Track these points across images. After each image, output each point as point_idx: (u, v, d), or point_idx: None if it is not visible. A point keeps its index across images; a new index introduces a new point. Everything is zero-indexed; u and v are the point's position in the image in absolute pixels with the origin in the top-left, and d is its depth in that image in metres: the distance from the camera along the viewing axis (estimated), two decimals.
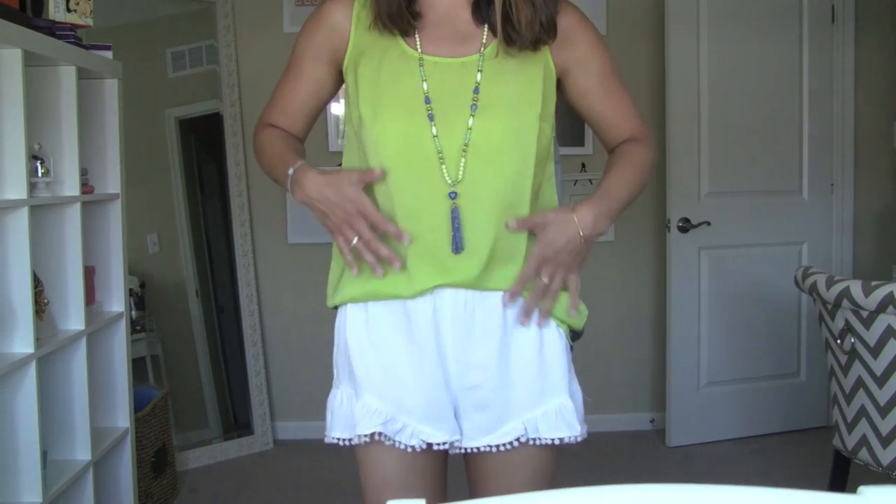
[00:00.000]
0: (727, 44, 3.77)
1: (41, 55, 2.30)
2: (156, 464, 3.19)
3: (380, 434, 1.46)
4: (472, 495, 1.55)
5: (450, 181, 1.41)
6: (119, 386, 2.85)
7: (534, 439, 1.48)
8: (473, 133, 1.41)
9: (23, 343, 2.22)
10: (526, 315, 1.46)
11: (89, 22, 2.62)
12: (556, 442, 1.48)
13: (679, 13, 3.70)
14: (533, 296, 1.45)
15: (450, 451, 1.52)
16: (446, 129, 1.42)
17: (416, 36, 1.46)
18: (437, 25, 1.48)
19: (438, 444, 1.47)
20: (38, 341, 2.26)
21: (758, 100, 3.85)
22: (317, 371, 4.22)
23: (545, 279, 1.43)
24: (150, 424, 3.16)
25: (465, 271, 1.43)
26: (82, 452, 2.57)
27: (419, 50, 1.45)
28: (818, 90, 3.94)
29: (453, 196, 1.41)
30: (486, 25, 1.47)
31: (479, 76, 1.44)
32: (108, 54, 2.77)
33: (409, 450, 1.46)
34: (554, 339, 1.51)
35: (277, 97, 1.58)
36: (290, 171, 1.44)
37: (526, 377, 1.48)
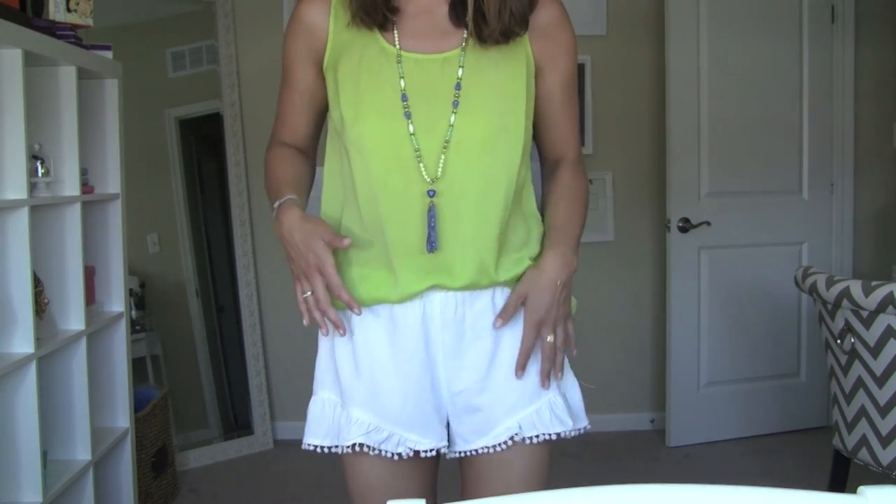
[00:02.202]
0: (727, 44, 3.77)
1: (41, 55, 2.30)
2: (156, 464, 3.19)
3: (361, 445, 1.46)
4: (466, 496, 1.54)
5: (428, 179, 1.39)
6: (119, 386, 2.85)
7: (529, 437, 1.46)
8: (455, 130, 1.39)
9: (23, 343, 2.22)
10: (546, 378, 1.45)
11: (89, 22, 2.62)
12: (553, 437, 1.47)
13: (679, 13, 3.70)
14: (546, 360, 1.45)
15: (447, 456, 1.51)
16: (425, 127, 1.39)
17: (395, 31, 1.42)
18: (415, 19, 1.44)
19: (425, 452, 1.47)
20: (38, 341, 2.26)
21: (758, 100, 3.85)
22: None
23: (549, 339, 1.43)
24: (150, 424, 3.16)
25: (461, 275, 1.42)
26: (82, 452, 2.57)
27: (397, 46, 1.42)
28: (818, 90, 3.94)
29: (431, 194, 1.39)
30: (464, 21, 1.43)
31: (460, 71, 1.41)
32: (108, 54, 2.77)
33: (396, 457, 1.45)
34: None
35: (279, 111, 1.55)
36: (276, 204, 1.42)
37: (515, 377, 1.46)
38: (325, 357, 1.52)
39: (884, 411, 2.49)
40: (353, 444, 1.46)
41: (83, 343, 2.56)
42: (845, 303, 2.50)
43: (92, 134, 2.73)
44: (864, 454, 2.59)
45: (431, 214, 1.39)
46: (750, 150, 3.86)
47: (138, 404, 3.04)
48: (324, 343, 1.52)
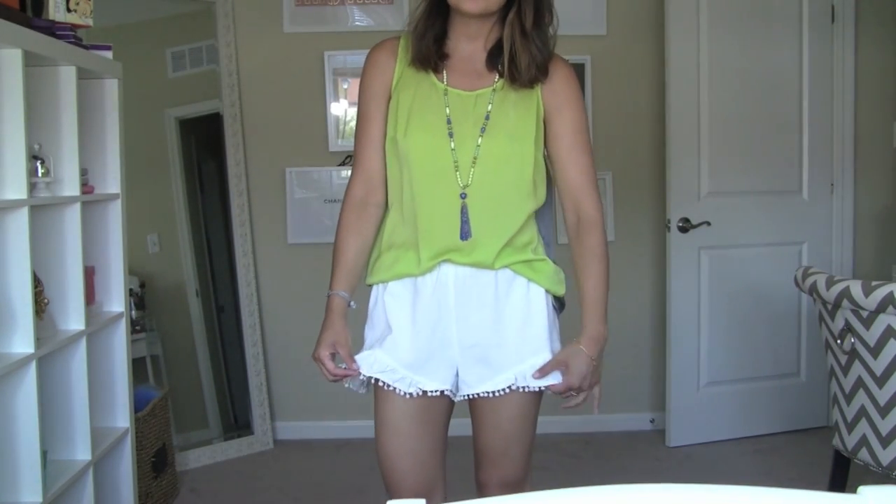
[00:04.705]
0: (727, 44, 3.77)
1: (41, 55, 2.29)
2: (156, 464, 3.19)
3: (377, 380, 1.83)
4: (474, 429, 1.93)
5: (461, 185, 1.79)
6: (119, 386, 2.85)
7: (522, 387, 1.83)
8: (481, 149, 1.79)
9: (23, 343, 2.21)
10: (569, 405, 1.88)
11: (89, 22, 2.62)
12: (540, 389, 1.85)
13: (679, 13, 3.70)
14: (569, 405, 1.88)
15: (456, 399, 1.87)
16: (461, 145, 1.80)
17: (444, 72, 1.84)
18: (460, 63, 1.85)
19: (431, 392, 1.82)
20: (38, 341, 2.26)
21: (758, 100, 3.85)
22: (317, 371, 4.22)
23: (580, 398, 1.87)
24: (150, 424, 3.16)
25: (469, 256, 1.80)
26: (82, 452, 2.57)
27: (445, 83, 1.84)
28: (818, 90, 3.94)
29: (463, 196, 1.79)
30: (497, 68, 1.82)
31: (489, 106, 1.82)
32: (108, 54, 2.77)
33: (408, 396, 1.81)
34: (539, 308, 1.85)
35: (355, 153, 1.91)
36: (328, 293, 1.87)
37: (515, 339, 1.83)
38: (369, 320, 1.91)
39: (884, 411, 2.49)
40: (373, 378, 1.83)
41: (83, 343, 2.56)
42: (845, 303, 2.50)
43: (92, 134, 2.73)
44: (864, 454, 2.59)
45: (464, 211, 1.79)
46: (750, 150, 3.86)
47: (138, 404, 3.04)
48: (371, 311, 1.91)
